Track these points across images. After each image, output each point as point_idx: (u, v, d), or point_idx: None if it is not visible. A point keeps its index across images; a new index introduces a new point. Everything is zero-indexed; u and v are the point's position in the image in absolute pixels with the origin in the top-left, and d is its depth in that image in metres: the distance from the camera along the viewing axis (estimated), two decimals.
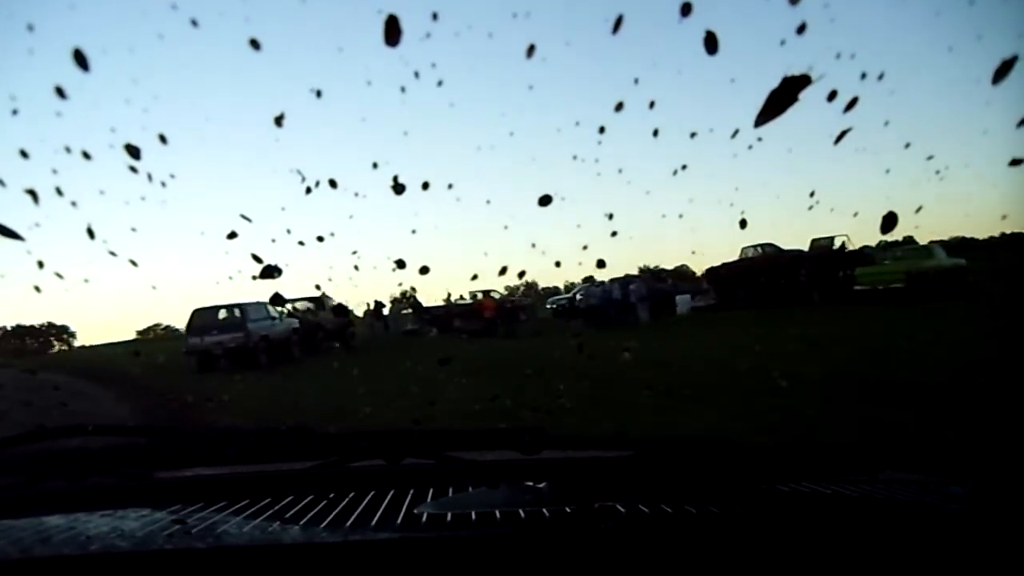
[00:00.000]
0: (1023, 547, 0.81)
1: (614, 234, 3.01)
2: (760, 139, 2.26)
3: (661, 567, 0.80)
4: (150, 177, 2.19)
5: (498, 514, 0.91)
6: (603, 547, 0.81)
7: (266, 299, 2.10)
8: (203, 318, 17.89)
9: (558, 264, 3.43)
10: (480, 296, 26.06)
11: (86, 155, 2.17)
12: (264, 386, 12.39)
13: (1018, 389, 5.37)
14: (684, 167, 3.28)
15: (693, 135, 3.33)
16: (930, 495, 1.07)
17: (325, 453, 1.20)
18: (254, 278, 2.00)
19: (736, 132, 2.17)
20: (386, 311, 28.16)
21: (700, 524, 0.90)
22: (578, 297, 27.18)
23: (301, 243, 2.56)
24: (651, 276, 27.05)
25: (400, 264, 2.40)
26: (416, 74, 2.81)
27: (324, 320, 21.60)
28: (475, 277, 3.34)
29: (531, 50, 2.10)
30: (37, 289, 2.36)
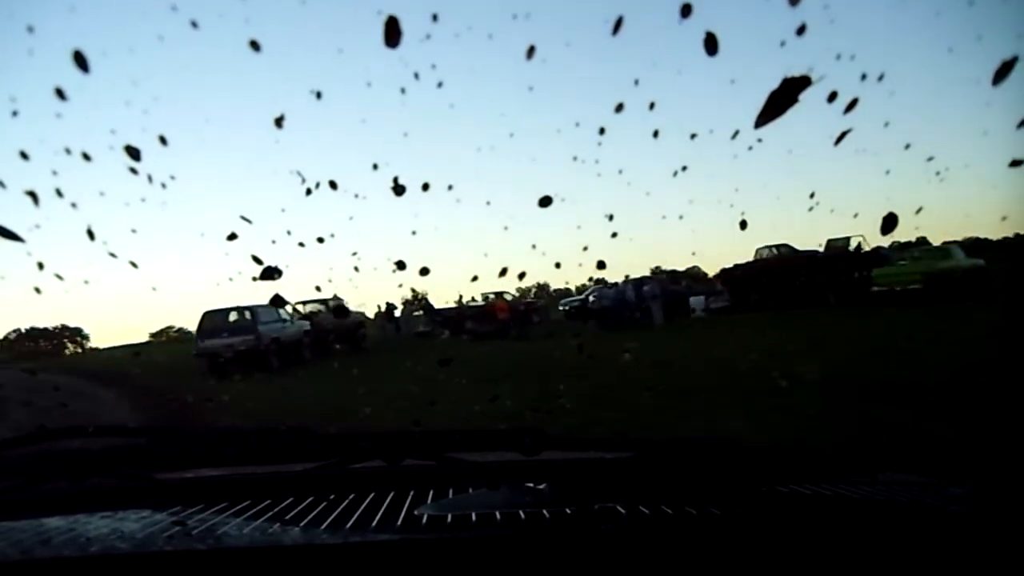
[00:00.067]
0: (1023, 548, 0.81)
1: (614, 235, 3.02)
2: (760, 140, 2.27)
3: (662, 568, 0.80)
4: (150, 178, 2.19)
5: (498, 515, 0.91)
6: (603, 548, 0.81)
7: (267, 301, 2.10)
8: (213, 320, 17.79)
9: (558, 265, 3.44)
10: (492, 298, 25.93)
11: (86, 156, 2.17)
12: (275, 388, 12.38)
13: (1018, 390, 5.37)
14: (684, 168, 3.29)
15: (693, 136, 3.33)
16: (930, 496, 1.07)
17: (325, 454, 1.20)
18: (254, 279, 2.00)
19: (736, 133, 2.17)
20: (397, 313, 28.16)
21: (700, 525, 0.90)
22: (591, 299, 26.84)
23: (301, 244, 2.56)
24: (665, 277, 26.68)
25: (400, 265, 2.40)
26: (416, 75, 2.81)
27: (335, 322, 21.48)
28: (475, 279, 3.34)
29: (531, 51, 2.10)
30: (37, 291, 2.36)
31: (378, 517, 0.95)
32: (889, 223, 1.59)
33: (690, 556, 0.82)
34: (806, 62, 1.33)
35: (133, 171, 2.03)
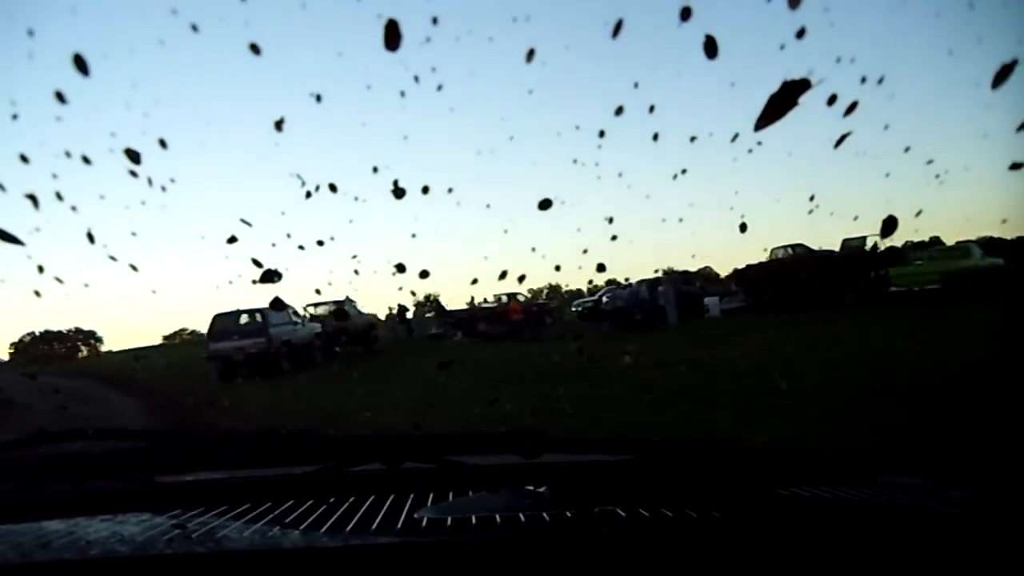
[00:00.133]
0: (1022, 551, 0.81)
1: (614, 238, 3.02)
2: (760, 143, 2.27)
3: (662, 571, 0.80)
4: (150, 181, 2.19)
5: (498, 518, 0.91)
6: (604, 551, 0.81)
7: (267, 303, 2.10)
8: (224, 323, 17.70)
9: (558, 268, 3.44)
10: (504, 299, 25.88)
11: (86, 160, 2.18)
12: (284, 392, 12.32)
13: (1018, 391, 5.36)
14: (684, 171, 3.28)
15: (693, 139, 3.34)
16: (930, 499, 1.07)
17: (325, 457, 1.20)
18: (254, 282, 2.00)
19: (736, 136, 2.18)
20: (409, 315, 28.13)
21: (701, 528, 0.90)
22: (604, 299, 26.72)
23: (301, 247, 2.56)
24: (678, 278, 26.52)
25: (400, 268, 2.41)
26: (416, 78, 2.82)
27: (347, 324, 21.50)
28: (475, 281, 3.35)
29: (531, 54, 2.10)
30: (37, 294, 2.36)
31: (378, 520, 0.95)
32: (889, 226, 1.59)
33: (690, 559, 0.81)
34: (806, 65, 1.33)
35: (133, 174, 2.04)
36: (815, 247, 22.45)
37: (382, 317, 25.34)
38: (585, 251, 3.06)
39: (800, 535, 0.87)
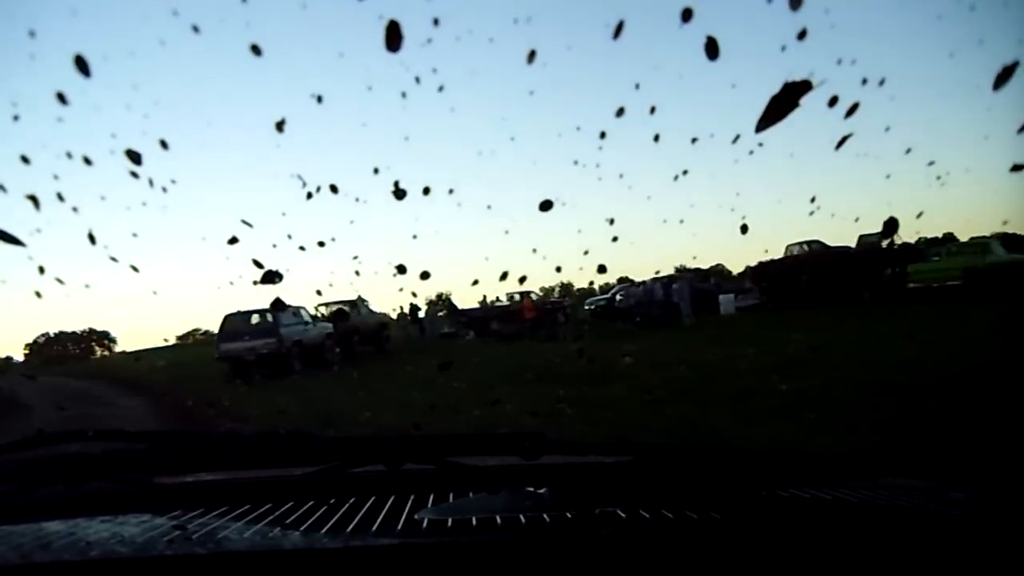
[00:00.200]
0: (1023, 553, 0.81)
1: (615, 239, 3.01)
2: (761, 144, 2.26)
3: (662, 572, 0.80)
4: (151, 182, 2.19)
5: (499, 519, 0.91)
6: (604, 552, 0.81)
7: (272, 304, 2.09)
8: (235, 323, 17.58)
9: (559, 269, 3.44)
10: (517, 298, 25.70)
11: (87, 160, 2.17)
12: (295, 391, 12.24)
13: (1018, 392, 5.36)
14: (685, 172, 3.27)
15: (694, 140, 3.33)
16: (931, 501, 1.07)
17: (325, 458, 1.20)
18: (255, 283, 2.00)
19: (737, 137, 2.17)
20: (421, 314, 28.11)
21: (700, 530, 0.90)
22: (618, 297, 26.49)
23: (302, 248, 2.56)
24: (693, 275, 26.09)
25: (401, 269, 2.40)
26: (417, 79, 2.80)
27: (359, 324, 21.44)
28: (476, 282, 3.36)
29: (532, 55, 2.10)
30: (38, 295, 2.36)
31: (378, 521, 0.95)
32: (890, 227, 1.59)
33: (690, 560, 0.81)
34: (807, 66, 1.33)
35: (134, 175, 2.03)
36: (831, 243, 22.08)
37: (394, 316, 25.37)
38: (586, 252, 3.06)
39: (800, 537, 0.87)
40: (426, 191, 2.64)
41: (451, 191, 3.51)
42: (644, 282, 23.38)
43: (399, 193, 2.40)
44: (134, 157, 2.00)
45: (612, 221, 3.16)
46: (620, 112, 2.23)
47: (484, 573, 0.81)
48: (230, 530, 0.92)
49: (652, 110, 2.41)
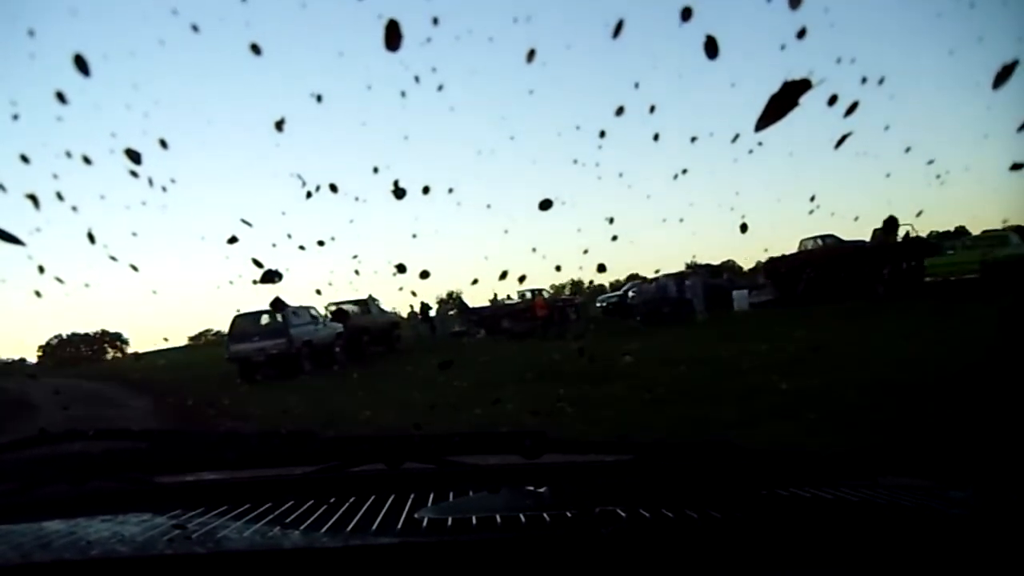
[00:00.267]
0: (1023, 552, 0.81)
1: (615, 238, 3.02)
2: (761, 143, 2.27)
3: (662, 571, 0.80)
4: (151, 182, 2.19)
5: (499, 518, 0.91)
6: (604, 551, 0.81)
7: (275, 303, 2.09)
8: (244, 324, 17.45)
9: (558, 268, 3.44)
10: (528, 295, 25.53)
11: (87, 160, 2.17)
12: (304, 392, 12.18)
13: (1018, 391, 5.35)
14: (685, 171, 3.27)
15: (694, 139, 3.33)
16: (931, 500, 1.07)
17: (326, 457, 1.20)
18: (255, 282, 2.00)
19: (737, 136, 2.17)
20: (432, 313, 28.05)
21: (701, 529, 0.90)
22: (630, 294, 26.28)
23: (302, 247, 2.56)
24: (706, 271, 25.65)
25: (401, 268, 2.40)
26: (416, 78, 2.80)
27: (369, 323, 21.35)
28: (475, 281, 3.36)
29: (531, 54, 2.10)
30: (38, 294, 2.36)
31: (378, 520, 0.95)
32: (890, 225, 1.60)
33: (691, 559, 0.81)
34: (806, 65, 1.33)
35: (134, 174, 2.03)
36: (845, 238, 21.63)
37: (404, 316, 25.25)
38: (586, 251, 3.06)
39: (801, 536, 0.87)
40: (426, 190, 2.64)
41: (451, 190, 3.52)
42: (656, 278, 23.24)
43: (399, 192, 2.40)
44: (134, 156, 2.00)
45: (612, 220, 3.16)
46: (620, 111, 2.23)
47: (484, 572, 0.81)
48: (230, 529, 0.93)
49: (652, 109, 2.41)
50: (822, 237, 22.31)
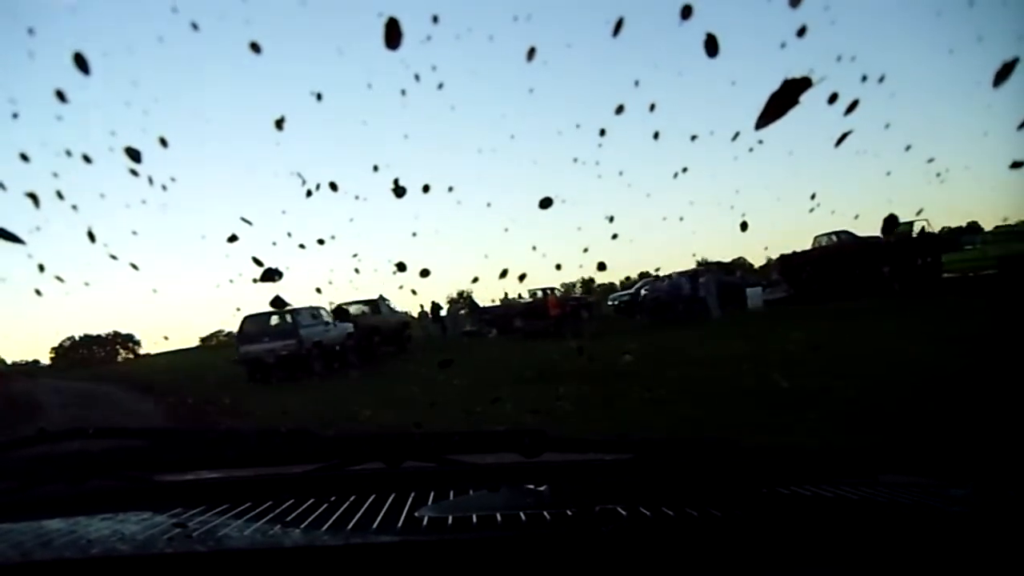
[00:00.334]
0: (1023, 549, 0.81)
1: (615, 236, 3.01)
2: (761, 142, 2.26)
3: (662, 570, 0.80)
4: (151, 180, 2.19)
5: (499, 517, 0.91)
6: (604, 550, 0.81)
7: (275, 302, 2.09)
8: (254, 325, 17.26)
9: (558, 267, 3.44)
10: (539, 294, 25.44)
11: (87, 158, 2.17)
12: (312, 392, 12.09)
13: (1018, 390, 5.36)
14: (685, 170, 3.27)
15: (694, 138, 3.33)
16: (931, 498, 1.07)
17: (326, 456, 1.20)
18: (255, 281, 2.00)
19: (737, 135, 2.17)
20: (443, 312, 27.99)
21: (701, 527, 0.90)
22: (643, 292, 25.71)
23: (302, 246, 2.56)
24: (719, 268, 25.30)
25: (401, 267, 2.41)
26: (416, 77, 2.80)
27: (380, 323, 21.21)
28: (476, 280, 3.35)
29: (531, 53, 2.09)
30: (38, 292, 2.36)
31: (379, 519, 0.95)
32: (890, 224, 1.59)
33: (691, 558, 0.81)
34: (807, 63, 1.33)
35: (134, 173, 2.03)
36: (860, 234, 21.05)
37: (415, 315, 25.19)
38: (586, 250, 3.06)
39: (801, 534, 0.87)
40: (426, 189, 2.64)
41: (451, 189, 3.52)
42: (669, 276, 22.97)
43: (399, 191, 2.40)
44: (133, 155, 1.99)
45: (612, 219, 3.16)
46: (620, 109, 2.23)
47: (484, 570, 0.81)
48: (230, 528, 0.93)
49: (652, 107, 2.40)
50: (836, 233, 22.03)
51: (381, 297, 19.77)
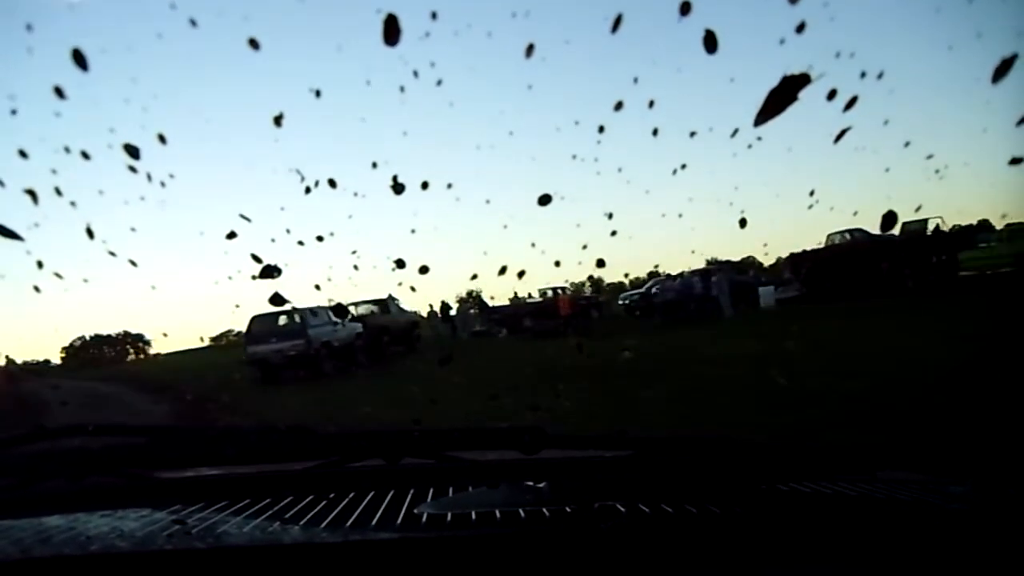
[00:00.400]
0: (1023, 546, 0.81)
1: (614, 233, 3.01)
2: (760, 138, 2.25)
3: (661, 567, 0.80)
4: (149, 177, 2.18)
5: (498, 514, 0.91)
6: (603, 546, 0.81)
7: (271, 298, 2.09)
8: (262, 325, 17.11)
9: (558, 264, 3.43)
10: (549, 294, 25.37)
11: (85, 155, 2.16)
12: (318, 393, 11.99)
13: (1018, 387, 5.36)
14: (684, 166, 3.27)
15: (693, 134, 3.32)
16: (930, 494, 1.07)
17: (325, 453, 1.20)
18: (254, 278, 2.00)
19: (736, 131, 2.16)
20: (452, 312, 27.90)
21: (700, 523, 0.90)
22: (654, 291, 25.66)
23: (301, 243, 2.55)
24: (731, 267, 25.35)
25: (400, 264, 2.40)
26: (415, 73, 2.79)
27: (389, 323, 21.10)
28: (475, 277, 3.34)
29: (530, 49, 2.09)
30: (37, 289, 2.36)
31: (378, 516, 0.95)
32: (889, 221, 1.59)
33: (690, 554, 0.82)
34: (805, 60, 1.32)
35: (132, 169, 2.03)
36: (874, 231, 20.99)
37: (424, 314, 25.10)
38: (585, 246, 3.05)
39: (800, 530, 0.87)
40: (424, 186, 2.63)
41: (449, 186, 3.51)
42: (680, 274, 22.84)
43: (397, 188, 2.40)
44: (132, 151, 1.99)
45: (611, 215, 3.15)
46: (619, 106, 2.22)
47: (483, 567, 0.81)
48: (230, 524, 0.93)
49: (651, 104, 2.40)
50: (850, 231, 21.66)
51: (390, 297, 19.66)
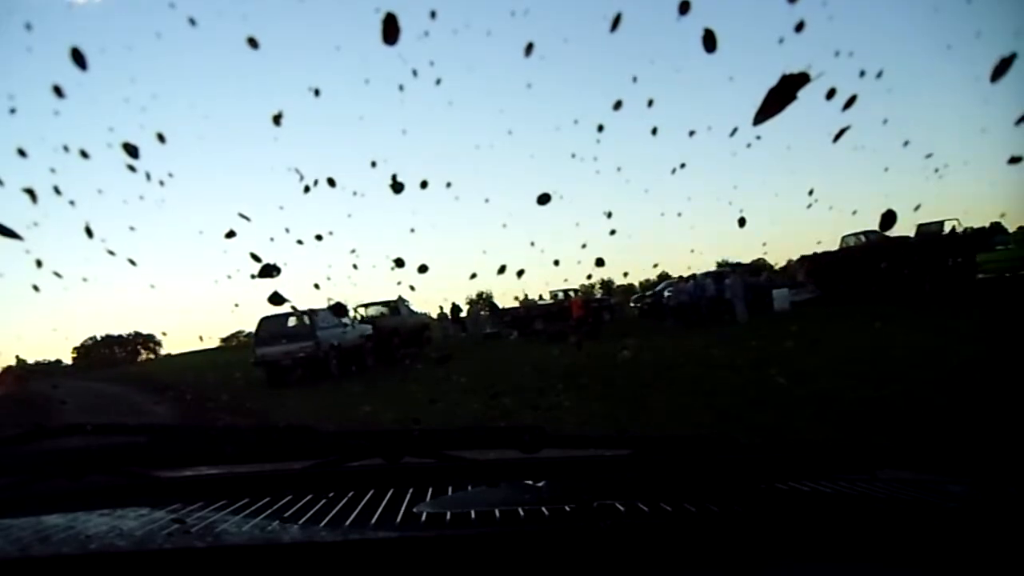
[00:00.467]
0: (1022, 545, 0.81)
1: (613, 232, 3.01)
2: (759, 137, 2.25)
3: (661, 566, 0.81)
4: (148, 176, 2.18)
5: (497, 513, 0.91)
6: (602, 546, 0.81)
7: (270, 298, 2.08)
8: (270, 326, 16.94)
9: (556, 263, 3.43)
10: (561, 296, 25.12)
11: (84, 154, 2.16)
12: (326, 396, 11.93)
13: (1017, 387, 5.36)
14: (683, 165, 3.26)
15: (692, 133, 3.32)
16: (929, 493, 1.07)
17: (324, 452, 1.20)
18: (253, 277, 2.00)
19: (735, 130, 2.16)
20: (463, 314, 27.93)
21: (699, 523, 0.91)
22: (666, 294, 25.17)
23: (300, 242, 2.55)
24: (745, 269, 24.67)
25: (399, 263, 2.40)
26: (414, 72, 2.79)
27: (399, 325, 20.96)
28: (474, 276, 3.33)
29: (529, 48, 2.09)
30: (36, 288, 2.35)
31: (377, 515, 0.95)
32: (888, 220, 1.59)
33: (689, 553, 0.82)
34: (804, 59, 1.32)
35: (131, 168, 2.03)
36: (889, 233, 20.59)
37: (434, 316, 25.06)
38: (584, 245, 3.06)
39: (799, 530, 0.87)
40: (423, 185, 2.63)
41: (449, 184, 3.50)
42: (693, 276, 22.50)
43: (396, 187, 2.40)
44: (131, 150, 1.99)
45: (610, 214, 3.15)
46: (618, 105, 2.22)
47: (483, 566, 0.81)
48: (229, 523, 0.93)
49: (650, 103, 2.40)
50: (865, 233, 21.38)
51: (400, 298, 19.54)
